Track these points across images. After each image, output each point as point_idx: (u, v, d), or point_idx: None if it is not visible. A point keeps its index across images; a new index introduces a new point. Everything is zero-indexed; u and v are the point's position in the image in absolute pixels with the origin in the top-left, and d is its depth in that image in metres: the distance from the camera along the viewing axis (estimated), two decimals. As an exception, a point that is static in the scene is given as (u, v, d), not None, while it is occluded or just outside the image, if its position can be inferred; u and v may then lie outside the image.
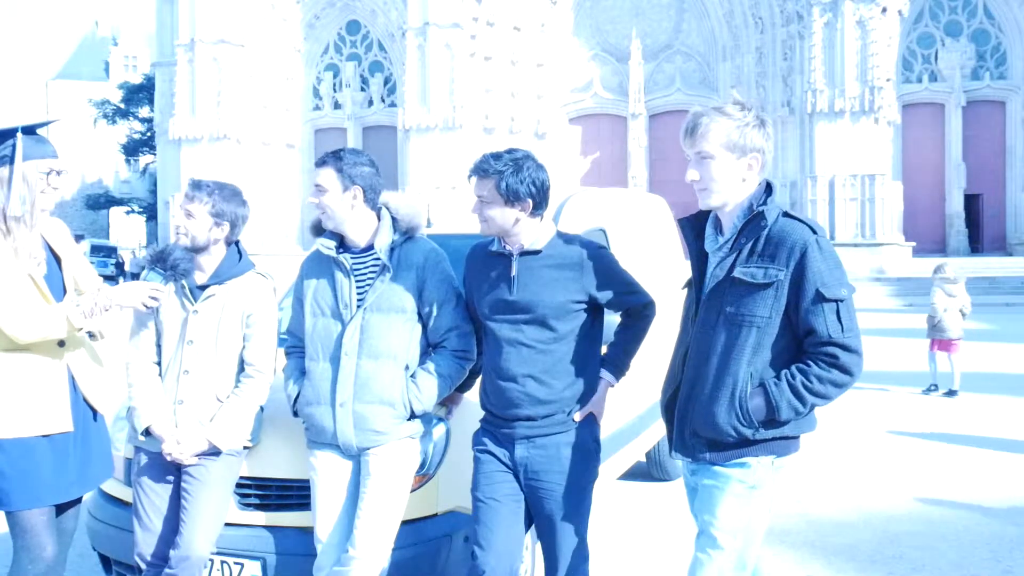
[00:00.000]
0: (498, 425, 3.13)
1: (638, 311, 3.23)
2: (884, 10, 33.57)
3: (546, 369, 3.05)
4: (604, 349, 3.28)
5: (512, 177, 3.01)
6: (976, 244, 37.29)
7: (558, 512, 3.07)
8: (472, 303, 3.25)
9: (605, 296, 3.12)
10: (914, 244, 34.04)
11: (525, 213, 3.05)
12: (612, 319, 3.28)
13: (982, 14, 37.06)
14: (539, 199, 3.07)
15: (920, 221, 36.45)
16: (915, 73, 37.50)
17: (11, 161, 2.94)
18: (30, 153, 2.97)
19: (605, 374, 3.18)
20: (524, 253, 3.09)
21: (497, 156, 3.05)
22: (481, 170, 3.05)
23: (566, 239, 3.16)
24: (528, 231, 3.09)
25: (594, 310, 3.14)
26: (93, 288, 3.15)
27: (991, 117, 37.17)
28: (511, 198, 3.01)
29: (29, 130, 3.02)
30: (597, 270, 3.10)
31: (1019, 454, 7.38)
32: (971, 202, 37.57)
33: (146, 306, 3.19)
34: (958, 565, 4.83)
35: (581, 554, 3.11)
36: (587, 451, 3.12)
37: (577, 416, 3.09)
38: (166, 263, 3.28)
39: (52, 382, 3.01)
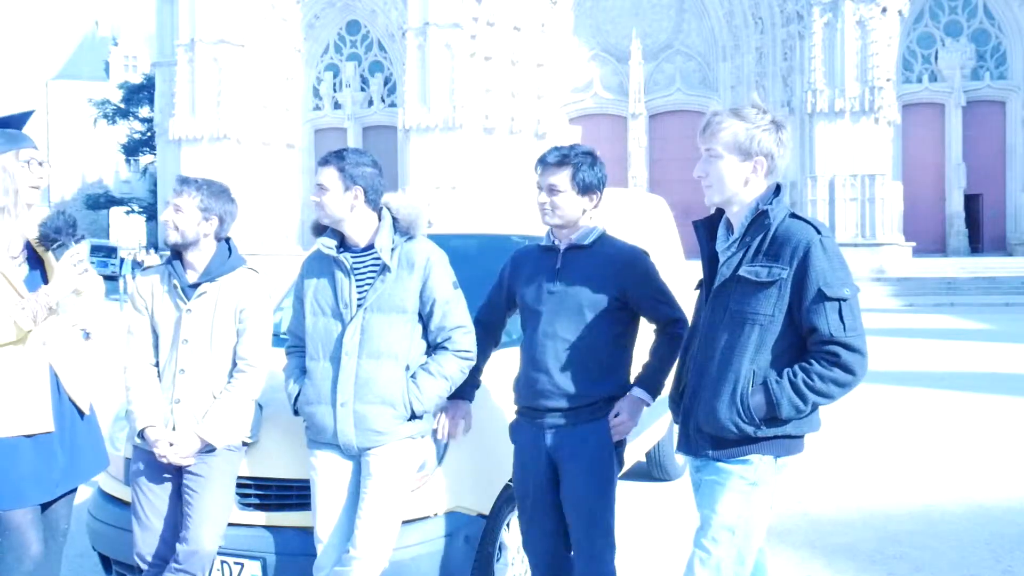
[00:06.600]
0: (530, 416, 3.27)
1: (671, 328, 3.29)
2: (884, 10, 33.58)
3: (578, 363, 3.15)
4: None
5: (588, 170, 3.16)
6: (976, 244, 37.28)
7: (584, 500, 3.19)
8: (514, 295, 3.38)
9: (639, 300, 3.22)
10: (914, 244, 34.05)
11: (592, 205, 3.20)
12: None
13: (982, 14, 37.05)
14: (602, 194, 3.23)
15: (920, 221, 36.44)
16: (915, 73, 37.50)
17: None
18: (5, 145, 2.98)
19: (641, 392, 3.25)
20: (571, 248, 3.22)
21: (572, 147, 3.19)
22: (559, 160, 3.15)
23: (613, 240, 3.28)
24: (585, 225, 3.23)
25: (630, 315, 3.24)
26: (93, 286, 3.14)
27: (991, 117, 37.16)
28: (584, 189, 3.15)
29: (4, 123, 3.05)
30: (638, 274, 3.22)
31: (1019, 454, 7.39)
32: (971, 202, 37.56)
33: (84, 285, 3.07)
34: (958, 565, 4.83)
35: (607, 543, 3.23)
36: (611, 446, 3.24)
37: (614, 421, 3.19)
38: (50, 230, 3.03)
39: (33, 382, 3.00)
